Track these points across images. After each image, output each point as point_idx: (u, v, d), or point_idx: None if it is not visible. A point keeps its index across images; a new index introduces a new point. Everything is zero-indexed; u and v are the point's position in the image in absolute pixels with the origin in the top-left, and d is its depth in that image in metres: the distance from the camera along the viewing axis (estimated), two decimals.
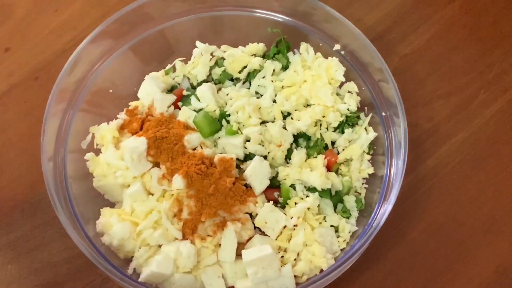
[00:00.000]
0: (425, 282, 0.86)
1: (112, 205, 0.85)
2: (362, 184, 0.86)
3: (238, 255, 0.79)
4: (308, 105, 0.89)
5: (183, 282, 0.78)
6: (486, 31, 1.02)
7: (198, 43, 0.93)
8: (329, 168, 0.86)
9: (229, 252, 0.78)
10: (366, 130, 0.88)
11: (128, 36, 0.90)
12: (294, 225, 0.80)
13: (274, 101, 0.89)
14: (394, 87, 0.82)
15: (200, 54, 0.93)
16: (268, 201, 0.82)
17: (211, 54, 0.94)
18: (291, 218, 0.80)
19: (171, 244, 0.79)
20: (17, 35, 1.01)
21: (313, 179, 0.82)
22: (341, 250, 0.82)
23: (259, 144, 0.84)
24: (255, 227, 0.81)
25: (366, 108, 0.89)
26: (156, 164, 0.83)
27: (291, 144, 0.87)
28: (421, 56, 1.00)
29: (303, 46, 0.92)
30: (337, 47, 0.89)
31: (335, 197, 0.85)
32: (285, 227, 0.81)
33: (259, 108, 0.88)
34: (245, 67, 0.92)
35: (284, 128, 0.86)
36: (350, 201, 0.85)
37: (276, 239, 0.81)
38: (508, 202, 0.91)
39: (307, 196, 0.83)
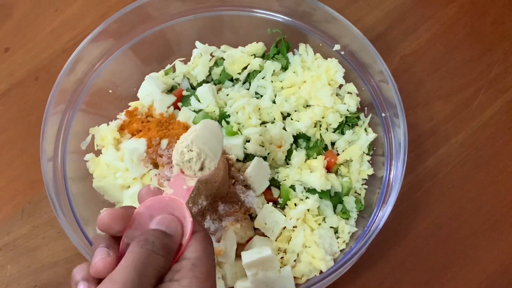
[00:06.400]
0: (425, 282, 0.86)
1: (111, 205, 0.85)
2: (362, 185, 0.86)
3: (238, 256, 0.79)
4: (307, 106, 0.89)
5: None
6: (486, 31, 1.02)
7: (197, 43, 0.93)
8: (328, 169, 0.86)
9: (229, 253, 0.78)
10: (366, 131, 0.88)
11: (128, 36, 0.90)
12: (293, 226, 0.81)
13: (274, 102, 0.89)
14: (394, 87, 0.82)
15: (200, 54, 0.93)
16: (268, 202, 0.82)
17: (211, 54, 0.94)
18: (291, 219, 0.80)
19: None
20: (17, 35, 1.01)
21: (313, 180, 0.82)
22: (341, 251, 0.82)
23: (259, 145, 0.84)
24: (254, 228, 0.81)
25: (366, 108, 0.89)
26: (156, 166, 0.83)
27: (291, 145, 0.87)
28: (421, 56, 1.00)
29: (302, 47, 0.92)
30: (337, 47, 0.89)
31: (335, 198, 0.85)
32: (284, 228, 0.81)
33: (259, 108, 0.88)
34: (245, 68, 0.92)
35: (284, 129, 0.87)
36: (349, 202, 0.85)
37: (276, 240, 0.81)
38: (508, 202, 0.91)
39: (307, 197, 0.83)
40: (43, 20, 1.02)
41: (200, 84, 0.92)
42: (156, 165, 0.83)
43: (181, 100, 0.91)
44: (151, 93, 0.88)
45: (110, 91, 0.91)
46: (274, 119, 0.88)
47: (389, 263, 0.87)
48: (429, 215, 0.90)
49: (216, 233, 0.78)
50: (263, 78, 0.91)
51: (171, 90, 0.93)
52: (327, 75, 0.88)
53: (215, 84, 0.93)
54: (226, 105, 0.89)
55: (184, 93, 0.92)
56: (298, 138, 0.88)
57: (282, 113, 0.88)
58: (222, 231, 0.78)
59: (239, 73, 0.92)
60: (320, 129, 0.88)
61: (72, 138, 0.84)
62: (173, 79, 0.94)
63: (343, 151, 0.87)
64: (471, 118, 0.96)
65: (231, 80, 0.93)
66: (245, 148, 0.84)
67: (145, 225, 0.54)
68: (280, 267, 0.78)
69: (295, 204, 0.82)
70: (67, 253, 0.86)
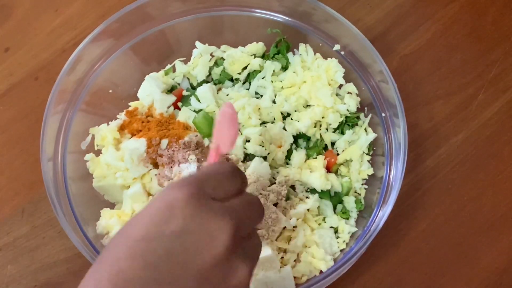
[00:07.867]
0: (425, 282, 0.86)
1: (111, 205, 0.85)
2: (362, 185, 0.86)
3: None
4: (307, 106, 0.89)
5: None
6: (486, 31, 1.01)
7: (197, 43, 0.93)
8: (328, 169, 0.86)
9: None
10: (366, 131, 0.88)
11: (128, 36, 0.90)
12: (293, 226, 0.80)
13: (274, 102, 0.89)
14: (394, 87, 0.82)
15: (200, 54, 0.93)
16: None
17: (211, 54, 0.94)
18: (291, 219, 0.80)
19: None
20: (17, 35, 1.01)
21: (313, 180, 0.82)
22: (341, 251, 0.82)
23: (259, 145, 0.84)
24: None
25: (366, 108, 0.89)
26: (156, 165, 0.83)
27: (291, 144, 0.87)
28: (421, 56, 1.00)
29: (302, 47, 0.92)
30: (337, 47, 0.89)
31: (335, 198, 0.85)
32: (284, 228, 0.81)
33: (259, 108, 0.88)
34: (245, 68, 0.92)
35: (284, 129, 0.86)
36: (349, 202, 0.85)
37: (276, 240, 0.81)
38: (508, 202, 0.91)
39: (307, 197, 0.83)
40: (43, 20, 1.02)
41: (200, 84, 0.92)
42: (156, 165, 0.83)
43: (181, 100, 0.91)
44: (151, 93, 0.88)
45: (110, 91, 0.91)
46: (274, 119, 0.88)
47: (388, 263, 0.87)
48: (429, 215, 0.90)
49: None
50: (263, 78, 0.91)
51: (171, 90, 0.93)
52: (327, 75, 0.88)
53: (215, 84, 0.93)
54: None
55: (184, 93, 0.92)
56: (298, 138, 0.88)
57: (282, 113, 0.88)
58: None
59: (239, 73, 0.92)
60: (320, 129, 0.88)
61: (72, 138, 0.84)
62: (173, 79, 0.94)
63: (343, 151, 0.87)
64: (471, 118, 0.96)
65: (231, 80, 0.93)
66: (245, 148, 0.84)
67: None
68: (280, 267, 0.78)
69: (296, 204, 0.82)
70: (67, 253, 0.86)
